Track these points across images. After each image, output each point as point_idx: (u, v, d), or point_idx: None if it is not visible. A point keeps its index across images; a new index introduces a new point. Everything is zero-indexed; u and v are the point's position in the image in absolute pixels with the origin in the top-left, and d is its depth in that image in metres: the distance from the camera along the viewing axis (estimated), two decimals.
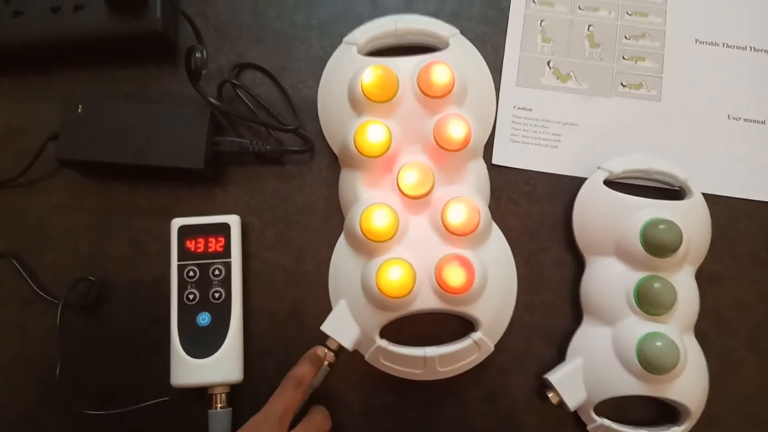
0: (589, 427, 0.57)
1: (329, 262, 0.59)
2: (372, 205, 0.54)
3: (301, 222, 0.61)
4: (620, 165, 0.59)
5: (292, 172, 0.62)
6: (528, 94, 0.62)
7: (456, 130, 0.55)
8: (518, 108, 0.62)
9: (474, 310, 0.55)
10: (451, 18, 0.63)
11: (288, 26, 0.64)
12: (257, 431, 0.50)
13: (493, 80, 0.62)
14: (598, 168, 0.59)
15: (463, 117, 0.56)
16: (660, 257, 0.55)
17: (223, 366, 0.55)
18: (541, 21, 0.63)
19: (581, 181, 0.60)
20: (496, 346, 0.57)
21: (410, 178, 0.55)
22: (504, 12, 0.64)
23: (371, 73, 0.56)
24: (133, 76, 0.63)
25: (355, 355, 0.57)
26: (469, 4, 0.64)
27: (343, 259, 0.58)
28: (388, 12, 0.62)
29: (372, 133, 0.55)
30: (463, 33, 0.61)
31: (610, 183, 0.58)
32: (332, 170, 0.61)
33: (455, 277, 0.53)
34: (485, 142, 0.60)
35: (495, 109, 0.62)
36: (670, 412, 0.58)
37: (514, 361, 0.59)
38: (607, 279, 0.57)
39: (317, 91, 0.61)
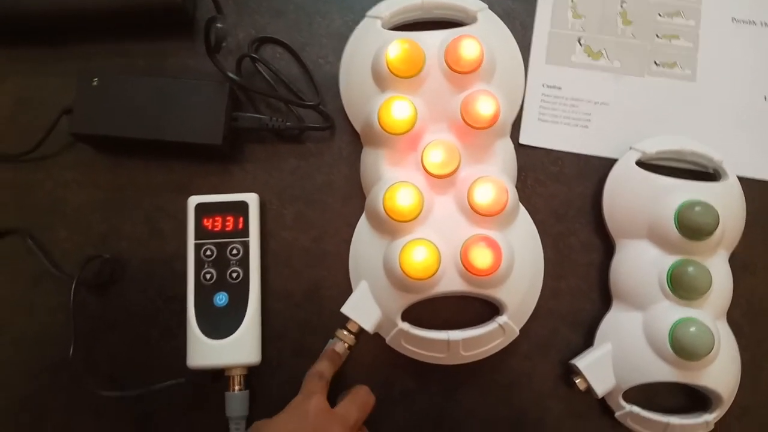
0: (617, 414, 0.55)
1: (350, 243, 0.57)
2: (396, 184, 0.53)
3: (321, 201, 0.59)
4: (654, 146, 0.57)
5: (312, 150, 0.60)
6: (557, 72, 0.60)
7: (484, 107, 0.53)
8: (547, 86, 0.60)
9: (500, 293, 0.53)
10: None
11: (310, 0, 0.62)
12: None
13: (522, 58, 0.60)
14: (631, 148, 0.57)
15: (491, 93, 0.54)
16: (695, 240, 0.53)
17: (241, 347, 0.53)
18: None
19: (611, 162, 0.58)
20: (521, 331, 0.55)
21: (436, 157, 0.53)
22: None
23: (397, 47, 0.54)
24: (149, 50, 0.61)
25: (376, 338, 0.55)
26: None
27: (364, 239, 0.56)
28: None
29: (397, 110, 0.53)
30: (491, 8, 0.59)
31: (642, 164, 0.57)
32: (354, 148, 0.59)
33: (482, 258, 0.52)
34: (513, 120, 0.58)
35: (523, 87, 0.60)
36: (700, 399, 0.56)
37: (540, 347, 0.57)
38: (639, 262, 0.55)
39: (338, 68, 0.59)
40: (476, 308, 0.57)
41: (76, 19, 0.59)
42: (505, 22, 0.59)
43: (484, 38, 0.55)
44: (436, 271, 0.51)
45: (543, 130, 0.59)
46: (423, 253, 0.51)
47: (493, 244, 0.52)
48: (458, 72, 0.54)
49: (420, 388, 0.57)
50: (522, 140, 0.59)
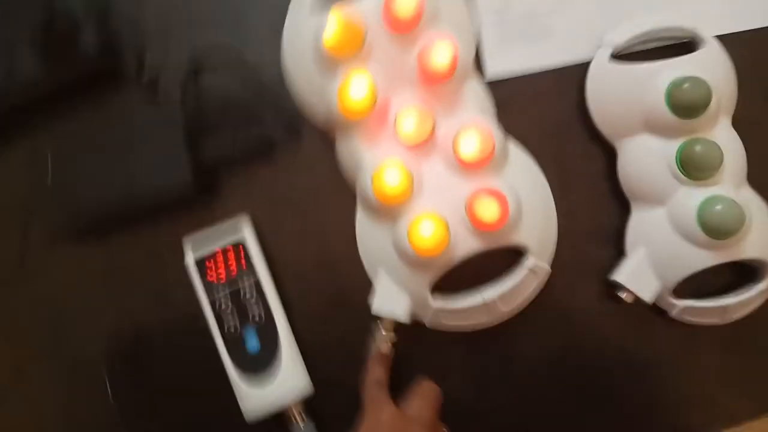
0: (672, 314, 0.54)
1: (355, 240, 0.55)
2: (379, 167, 0.50)
3: (312, 207, 0.57)
4: (622, 34, 0.54)
5: (286, 159, 0.57)
6: None
7: (441, 55, 0.50)
8: (496, 10, 0.57)
9: (518, 238, 0.51)
10: None
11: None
12: None
13: None
14: (601, 45, 0.54)
15: (444, 37, 0.50)
16: (692, 118, 0.50)
17: (290, 384, 0.52)
18: None
19: (586, 65, 0.55)
20: (552, 265, 0.54)
21: (409, 125, 0.51)
22: None
23: (331, 25, 0.50)
24: (92, 114, 0.57)
25: (414, 323, 0.54)
26: None
27: (367, 231, 0.54)
28: None
29: (354, 91, 0.50)
30: None
31: (617, 57, 0.54)
32: (326, 143, 0.56)
33: (489, 211, 0.49)
34: (473, 58, 0.55)
35: (472, 22, 0.56)
36: (747, 272, 0.54)
37: (575, 273, 0.56)
38: (645, 158, 0.53)
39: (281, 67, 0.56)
40: (499, 260, 0.55)
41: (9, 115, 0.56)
42: None
43: None
44: (448, 239, 0.49)
45: (506, 58, 0.56)
46: (430, 226, 0.50)
47: (495, 194, 0.50)
48: (402, 30, 0.51)
49: (476, 355, 0.56)
50: (489, 76, 0.56)
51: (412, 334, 0.54)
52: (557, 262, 0.54)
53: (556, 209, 0.55)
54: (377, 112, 0.51)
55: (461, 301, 0.53)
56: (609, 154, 0.55)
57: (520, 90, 0.57)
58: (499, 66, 0.56)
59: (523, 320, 0.54)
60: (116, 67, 0.57)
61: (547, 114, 0.57)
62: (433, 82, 0.51)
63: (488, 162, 0.50)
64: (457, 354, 0.56)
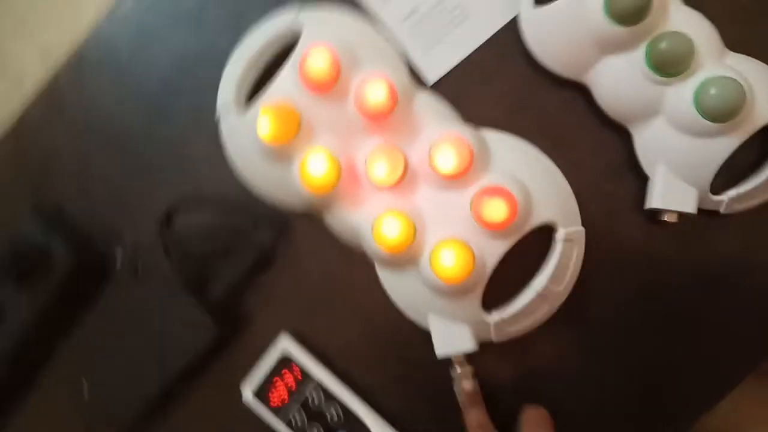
0: (722, 210, 0.51)
1: (389, 298, 0.54)
2: (375, 224, 0.48)
3: (336, 292, 0.55)
4: None
5: (288, 256, 0.56)
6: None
7: (375, 94, 0.48)
8: (405, 17, 0.54)
9: (538, 217, 0.49)
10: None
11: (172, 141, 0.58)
12: None
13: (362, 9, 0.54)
14: None
15: (371, 76, 0.49)
16: (640, 21, 0.47)
17: None
18: None
19: (515, 23, 0.52)
20: (584, 223, 0.51)
21: (381, 170, 0.49)
22: None
23: (263, 122, 0.49)
24: (97, 315, 0.56)
25: (482, 345, 0.52)
26: None
27: (396, 284, 0.53)
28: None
29: (314, 170, 0.49)
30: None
31: (540, 1, 0.51)
32: (317, 224, 0.54)
33: (497, 209, 0.47)
34: (408, 74, 0.53)
35: (388, 40, 0.54)
36: None
37: (610, 219, 0.53)
38: (618, 80, 0.50)
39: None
40: (527, 244, 0.52)
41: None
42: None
43: (324, 36, 0.50)
44: (473, 255, 0.47)
45: (438, 57, 0.54)
46: (450, 254, 0.48)
47: (493, 190, 0.48)
48: (328, 91, 0.49)
49: (555, 345, 0.54)
50: (431, 81, 0.54)
51: (482, 353, 0.52)
52: (587, 219, 0.51)
53: (560, 169, 0.52)
54: (346, 174, 0.49)
55: (516, 303, 0.50)
56: (582, 92, 0.53)
57: (466, 77, 0.54)
58: (434, 68, 0.54)
59: (582, 287, 0.52)
60: (96, 262, 0.56)
61: (503, 86, 0.54)
62: (381, 119, 0.49)
63: (471, 165, 0.48)
64: (534, 356, 0.54)
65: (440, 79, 0.54)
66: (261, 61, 0.53)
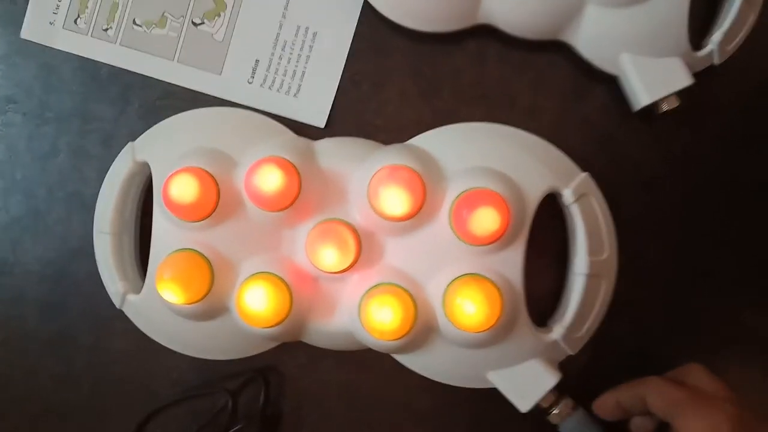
0: (716, 62, 0.41)
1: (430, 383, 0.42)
2: (366, 317, 0.37)
3: (366, 404, 0.44)
4: None
5: (293, 400, 0.44)
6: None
7: (267, 182, 0.37)
8: (247, 79, 0.44)
9: (535, 196, 0.38)
10: None
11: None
12: None
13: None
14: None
15: (256, 164, 0.38)
16: None
17: None
18: None
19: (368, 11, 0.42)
20: (580, 164, 0.41)
21: (330, 256, 0.38)
22: None
23: (170, 292, 0.37)
24: None
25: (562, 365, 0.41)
26: None
27: (427, 361, 0.41)
28: None
29: (255, 303, 0.37)
30: None
31: None
32: (300, 350, 0.43)
33: (485, 220, 0.36)
34: (291, 135, 0.42)
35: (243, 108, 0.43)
36: None
37: (605, 143, 0.43)
38: None
39: None
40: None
41: None
42: None
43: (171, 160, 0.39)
44: (497, 290, 0.36)
45: (310, 96, 0.44)
46: (470, 304, 0.37)
47: (470, 199, 0.37)
48: (204, 213, 0.38)
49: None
50: (322, 124, 0.44)
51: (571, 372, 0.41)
52: (583, 159, 0.41)
53: (520, 127, 0.42)
54: (297, 284, 0.38)
55: (569, 302, 0.40)
56: (480, 36, 0.42)
57: (357, 95, 0.44)
58: (316, 109, 0.44)
59: (628, 234, 0.41)
60: None
61: (398, 77, 0.44)
62: (287, 201, 0.38)
63: (424, 188, 0.37)
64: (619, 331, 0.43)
65: (330, 116, 0.44)
66: (129, 226, 0.42)
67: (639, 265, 0.42)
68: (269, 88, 0.44)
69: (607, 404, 0.39)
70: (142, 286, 0.41)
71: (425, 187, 0.37)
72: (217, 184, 0.38)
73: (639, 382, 0.38)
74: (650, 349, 0.44)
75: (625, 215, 0.41)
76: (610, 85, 0.42)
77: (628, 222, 0.41)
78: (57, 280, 0.45)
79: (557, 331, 0.39)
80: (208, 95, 0.44)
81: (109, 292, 0.42)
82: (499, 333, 0.37)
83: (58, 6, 0.45)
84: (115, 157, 0.43)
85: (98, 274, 0.42)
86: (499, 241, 0.37)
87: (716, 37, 0.40)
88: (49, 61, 0.45)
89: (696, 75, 0.40)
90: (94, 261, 0.42)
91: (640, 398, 0.37)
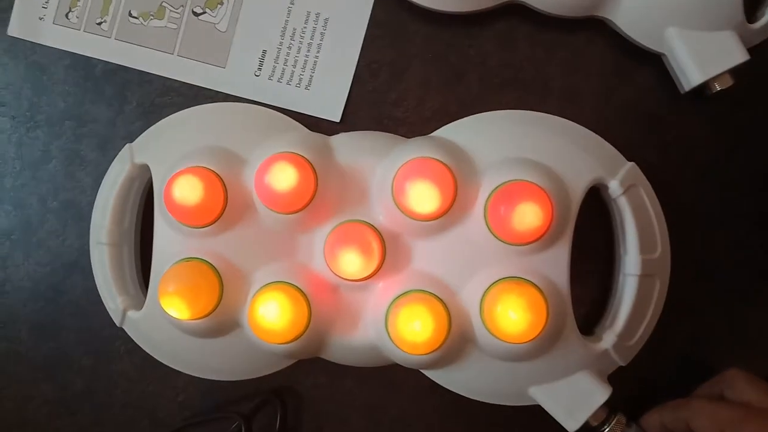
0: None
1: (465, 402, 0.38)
2: (394, 329, 0.33)
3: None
4: None
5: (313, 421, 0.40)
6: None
7: (281, 180, 0.33)
8: (254, 71, 0.40)
9: (579, 188, 0.34)
10: None
11: None
12: None
13: None
14: None
15: (268, 161, 0.34)
16: None
17: None
18: None
19: None
20: (628, 155, 0.36)
21: (352, 265, 0.33)
22: None
23: (175, 308, 0.33)
24: None
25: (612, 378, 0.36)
26: None
27: (463, 378, 0.37)
28: None
29: (271, 317, 0.33)
30: None
31: None
32: (316, 366, 0.39)
33: (526, 215, 0.32)
34: (304, 130, 0.38)
35: (253, 102, 0.40)
36: None
37: (654, 129, 0.39)
38: None
39: None
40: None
41: None
42: None
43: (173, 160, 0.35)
44: (542, 297, 0.32)
45: (325, 87, 0.40)
46: (511, 314, 0.32)
47: (508, 193, 0.33)
48: (210, 217, 0.34)
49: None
50: (337, 117, 0.40)
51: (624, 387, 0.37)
52: (630, 148, 0.37)
53: (561, 115, 0.37)
54: (315, 294, 0.34)
55: (619, 306, 0.36)
56: (510, 22, 0.38)
57: (375, 84, 0.40)
58: (331, 101, 0.40)
59: (681, 230, 0.37)
60: None
61: (419, 64, 0.40)
62: (303, 200, 0.34)
63: (455, 184, 0.33)
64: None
65: (346, 109, 0.40)
66: (129, 235, 0.38)
67: (695, 261, 0.38)
68: (278, 80, 0.40)
69: (651, 424, 0.36)
70: (143, 302, 0.37)
71: (456, 181, 0.33)
72: (224, 185, 0.34)
73: (682, 404, 0.35)
74: (705, 355, 0.39)
75: (677, 207, 0.37)
76: (655, 64, 0.38)
77: (681, 214, 0.37)
78: (51, 298, 0.41)
79: (608, 339, 0.35)
80: (212, 90, 0.40)
81: (108, 309, 0.38)
82: (544, 343, 0.33)
83: None
84: (112, 161, 0.39)
85: (96, 289, 0.38)
86: (542, 239, 0.32)
87: None
88: (39, 59, 0.41)
89: (750, 50, 0.36)
90: (92, 276, 0.39)
91: (684, 421, 0.33)
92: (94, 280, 0.38)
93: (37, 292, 0.41)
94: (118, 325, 0.38)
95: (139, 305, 0.37)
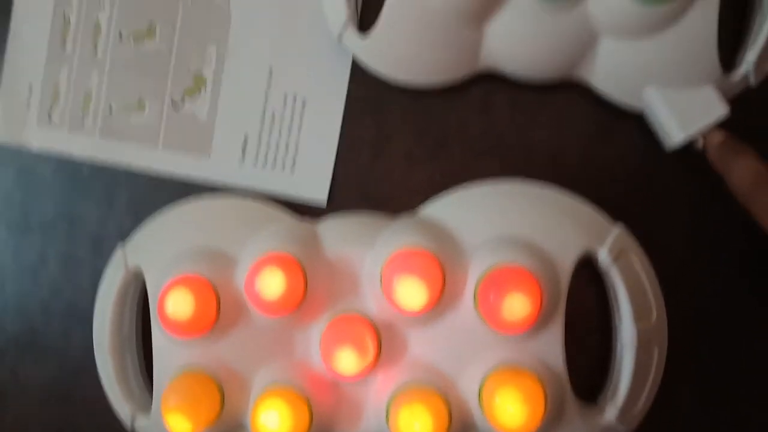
0: (753, 82, 0.36)
1: None
2: (400, 412, 0.33)
3: None
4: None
5: None
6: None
7: (270, 288, 0.33)
8: (239, 160, 0.40)
9: (567, 262, 0.34)
10: None
11: None
12: None
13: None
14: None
15: (254, 267, 0.34)
16: None
17: None
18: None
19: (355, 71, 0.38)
20: (614, 215, 0.36)
21: (348, 363, 0.33)
22: None
23: (177, 426, 0.34)
24: None
25: None
26: None
27: None
28: None
29: (270, 424, 0.34)
30: None
31: None
32: None
33: (516, 305, 0.32)
34: (290, 216, 0.39)
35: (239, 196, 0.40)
36: None
37: (639, 188, 0.38)
38: (515, 33, 0.35)
39: None
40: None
41: None
42: None
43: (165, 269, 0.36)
44: (540, 385, 0.32)
45: (307, 172, 0.40)
46: (512, 403, 0.32)
47: (494, 280, 0.33)
48: (204, 329, 0.34)
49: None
50: (323, 202, 0.40)
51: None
52: (616, 208, 0.36)
53: (548, 178, 0.37)
54: (317, 394, 0.34)
55: (620, 377, 0.35)
56: (481, 86, 0.38)
57: (357, 162, 0.40)
58: (315, 186, 0.40)
59: (673, 287, 0.37)
60: None
61: (400, 138, 0.40)
62: (294, 304, 0.34)
63: (442, 272, 0.33)
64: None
65: (332, 189, 0.40)
66: (130, 341, 0.39)
67: (693, 320, 0.38)
68: (263, 166, 0.41)
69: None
70: (151, 404, 0.37)
71: (444, 272, 0.33)
72: (216, 293, 0.34)
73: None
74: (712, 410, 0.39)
75: (669, 264, 0.36)
76: (638, 120, 0.37)
77: (674, 274, 0.37)
78: (63, 402, 0.42)
79: (610, 411, 0.35)
80: (199, 181, 0.41)
81: (117, 414, 0.39)
82: (546, 428, 0.33)
83: (29, 102, 0.42)
84: (107, 260, 0.39)
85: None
86: (537, 325, 0.32)
87: (750, 56, 0.35)
88: (27, 164, 0.42)
89: (733, 102, 0.35)
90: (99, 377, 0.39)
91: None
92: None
93: (47, 399, 0.42)
94: (129, 430, 0.38)
95: (147, 408, 0.37)
